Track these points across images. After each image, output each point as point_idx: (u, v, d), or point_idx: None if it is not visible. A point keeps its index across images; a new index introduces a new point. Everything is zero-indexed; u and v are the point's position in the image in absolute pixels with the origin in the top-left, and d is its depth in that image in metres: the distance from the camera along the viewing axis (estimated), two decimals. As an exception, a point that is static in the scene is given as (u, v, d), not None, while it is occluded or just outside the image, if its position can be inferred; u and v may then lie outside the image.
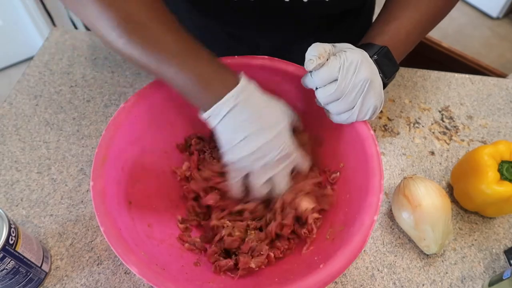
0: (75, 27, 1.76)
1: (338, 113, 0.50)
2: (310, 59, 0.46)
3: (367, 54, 0.48)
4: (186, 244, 0.52)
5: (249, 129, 0.47)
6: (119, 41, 0.45)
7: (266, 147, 0.48)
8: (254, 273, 0.50)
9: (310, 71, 0.47)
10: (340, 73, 0.46)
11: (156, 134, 0.55)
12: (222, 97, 0.46)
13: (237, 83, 0.47)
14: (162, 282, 0.41)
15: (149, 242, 0.48)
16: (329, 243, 0.48)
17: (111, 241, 0.42)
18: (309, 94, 0.51)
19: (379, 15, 0.57)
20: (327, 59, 0.46)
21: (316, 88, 0.49)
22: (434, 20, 0.58)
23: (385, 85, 0.50)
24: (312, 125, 0.56)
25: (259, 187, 0.51)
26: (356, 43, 0.52)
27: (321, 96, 0.48)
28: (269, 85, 0.53)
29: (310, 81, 0.49)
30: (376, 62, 0.49)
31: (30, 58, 0.78)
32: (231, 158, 0.49)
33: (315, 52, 0.46)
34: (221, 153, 0.51)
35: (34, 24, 1.74)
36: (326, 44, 0.47)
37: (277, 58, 0.55)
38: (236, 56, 0.55)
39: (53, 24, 1.74)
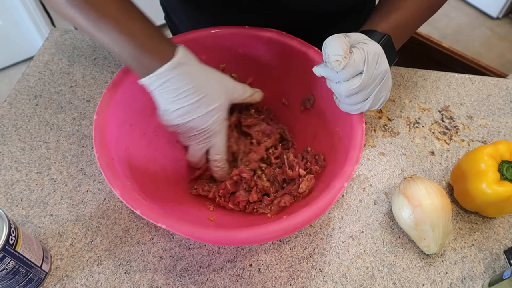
0: (75, 27, 1.76)
1: (353, 103, 0.49)
2: (337, 60, 0.44)
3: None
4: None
5: (183, 103, 0.50)
6: (64, 5, 0.48)
7: (193, 122, 0.52)
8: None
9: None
10: (365, 67, 0.45)
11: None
12: (157, 68, 0.48)
13: (174, 54, 0.48)
14: (138, 205, 0.44)
15: (140, 177, 0.53)
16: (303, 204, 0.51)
17: (102, 166, 0.46)
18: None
19: (378, 3, 0.58)
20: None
21: (337, 82, 0.48)
22: (431, 10, 0.58)
23: None
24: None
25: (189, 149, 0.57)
26: None
27: (344, 91, 0.47)
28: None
29: (332, 75, 0.47)
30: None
31: (30, 58, 0.78)
32: (165, 121, 0.53)
33: (339, 51, 0.44)
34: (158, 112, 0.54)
35: (34, 24, 1.73)
36: (341, 36, 0.46)
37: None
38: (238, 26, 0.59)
39: (53, 24, 1.74)
